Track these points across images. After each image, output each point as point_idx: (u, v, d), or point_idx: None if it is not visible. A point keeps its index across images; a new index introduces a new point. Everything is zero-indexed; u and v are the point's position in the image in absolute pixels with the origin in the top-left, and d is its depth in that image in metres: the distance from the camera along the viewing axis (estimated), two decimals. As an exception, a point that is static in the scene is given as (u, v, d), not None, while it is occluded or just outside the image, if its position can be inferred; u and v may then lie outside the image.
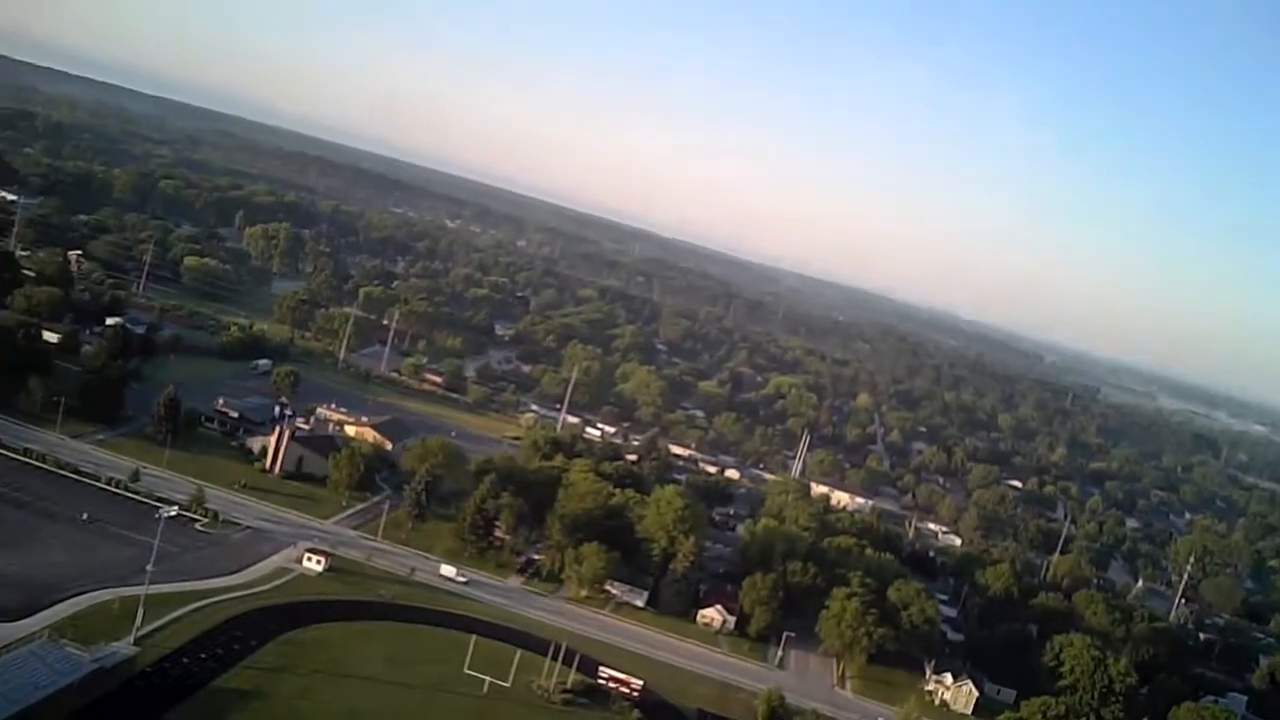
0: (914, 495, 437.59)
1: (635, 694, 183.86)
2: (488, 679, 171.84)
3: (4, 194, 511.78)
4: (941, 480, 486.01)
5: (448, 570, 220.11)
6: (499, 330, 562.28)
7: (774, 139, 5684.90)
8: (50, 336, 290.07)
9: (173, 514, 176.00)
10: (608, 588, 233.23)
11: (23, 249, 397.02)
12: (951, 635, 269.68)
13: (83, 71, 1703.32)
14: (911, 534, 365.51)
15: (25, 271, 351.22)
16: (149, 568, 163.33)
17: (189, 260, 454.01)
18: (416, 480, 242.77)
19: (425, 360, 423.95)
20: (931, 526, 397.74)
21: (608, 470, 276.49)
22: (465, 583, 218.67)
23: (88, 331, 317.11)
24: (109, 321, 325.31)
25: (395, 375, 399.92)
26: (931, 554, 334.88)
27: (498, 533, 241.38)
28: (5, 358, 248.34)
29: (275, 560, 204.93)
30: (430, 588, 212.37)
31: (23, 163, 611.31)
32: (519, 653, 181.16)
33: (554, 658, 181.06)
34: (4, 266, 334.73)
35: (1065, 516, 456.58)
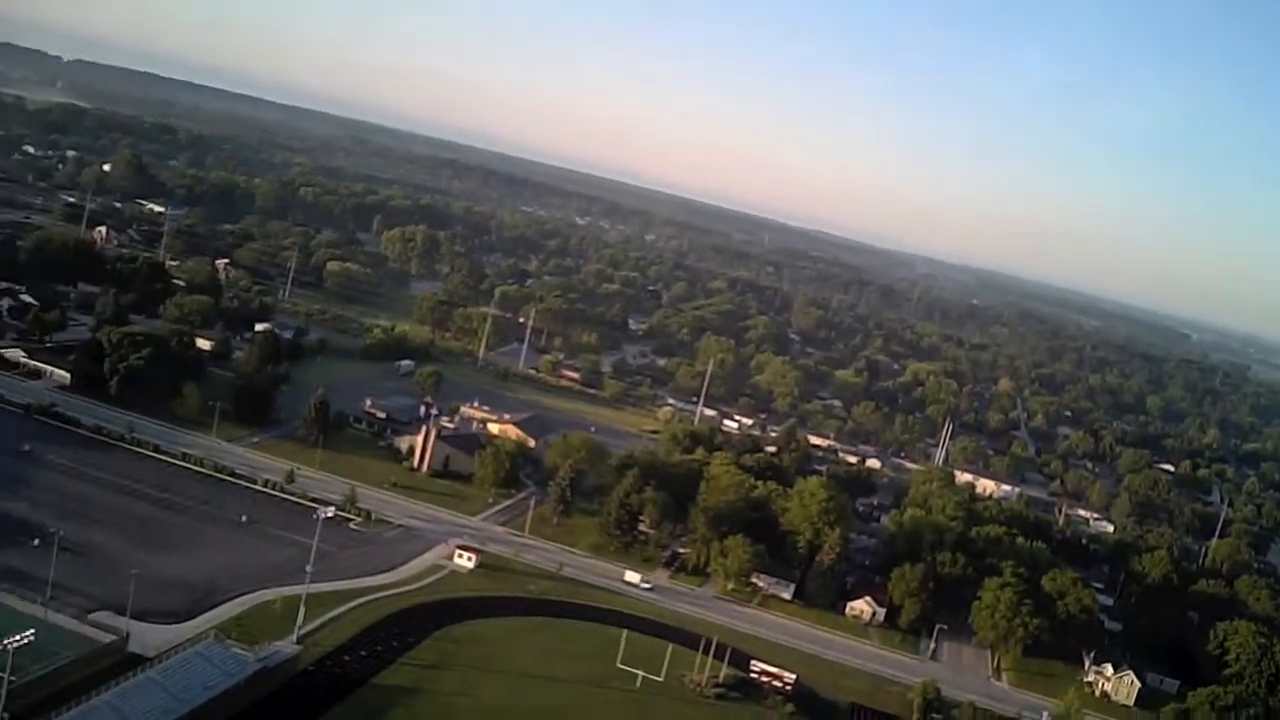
0: (1062, 481, 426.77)
1: (788, 687, 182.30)
2: (640, 673, 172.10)
3: (153, 206, 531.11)
4: (1090, 465, 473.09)
5: (632, 577, 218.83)
6: (632, 325, 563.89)
7: (901, 126, 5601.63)
8: (203, 343, 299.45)
9: (330, 515, 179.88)
10: (754, 580, 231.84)
11: (172, 259, 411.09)
12: (1109, 624, 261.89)
13: (219, 84, 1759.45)
14: (1062, 521, 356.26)
15: (176, 281, 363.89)
16: (308, 568, 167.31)
17: (331, 265, 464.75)
18: (560, 476, 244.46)
19: (562, 356, 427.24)
20: (1082, 513, 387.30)
21: (748, 462, 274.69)
22: (650, 589, 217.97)
23: (238, 337, 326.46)
24: (258, 327, 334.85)
25: (533, 372, 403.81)
26: (1084, 541, 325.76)
27: (642, 527, 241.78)
28: (162, 365, 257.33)
29: (427, 558, 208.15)
30: (578, 582, 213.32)
31: (168, 175, 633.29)
32: (670, 647, 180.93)
33: (705, 652, 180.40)
34: (156, 276, 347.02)
35: (1222, 500, 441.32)
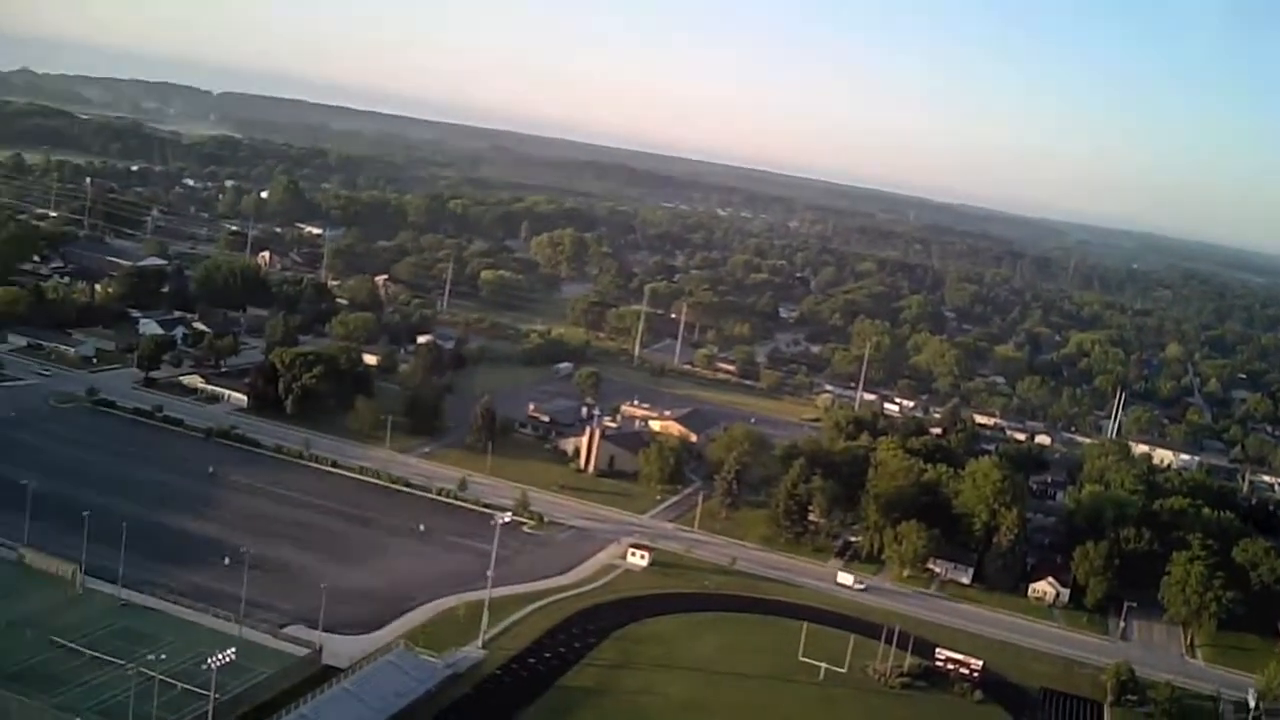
0: (1243, 447, 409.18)
1: (975, 674, 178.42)
2: (823, 665, 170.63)
3: (310, 229, 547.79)
4: (1270, 429, 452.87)
5: (845, 578, 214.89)
6: (783, 313, 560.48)
7: (1045, 92, 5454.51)
8: (369, 358, 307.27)
9: (507, 520, 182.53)
10: (930, 566, 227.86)
11: (333, 278, 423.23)
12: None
13: (363, 105, 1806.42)
14: (1246, 488, 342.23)
15: (339, 300, 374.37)
16: (489, 573, 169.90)
17: (485, 274, 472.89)
18: (726, 469, 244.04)
19: (715, 349, 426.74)
20: (1266, 479, 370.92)
21: (915, 446, 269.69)
22: (863, 589, 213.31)
23: (402, 350, 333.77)
24: (420, 339, 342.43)
25: (689, 367, 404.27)
26: (1271, 508, 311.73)
27: (811, 517, 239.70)
28: (333, 382, 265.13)
29: (601, 557, 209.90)
30: (752, 576, 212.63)
31: (323, 197, 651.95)
32: (852, 638, 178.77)
33: (887, 641, 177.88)
34: (320, 297, 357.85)
35: None
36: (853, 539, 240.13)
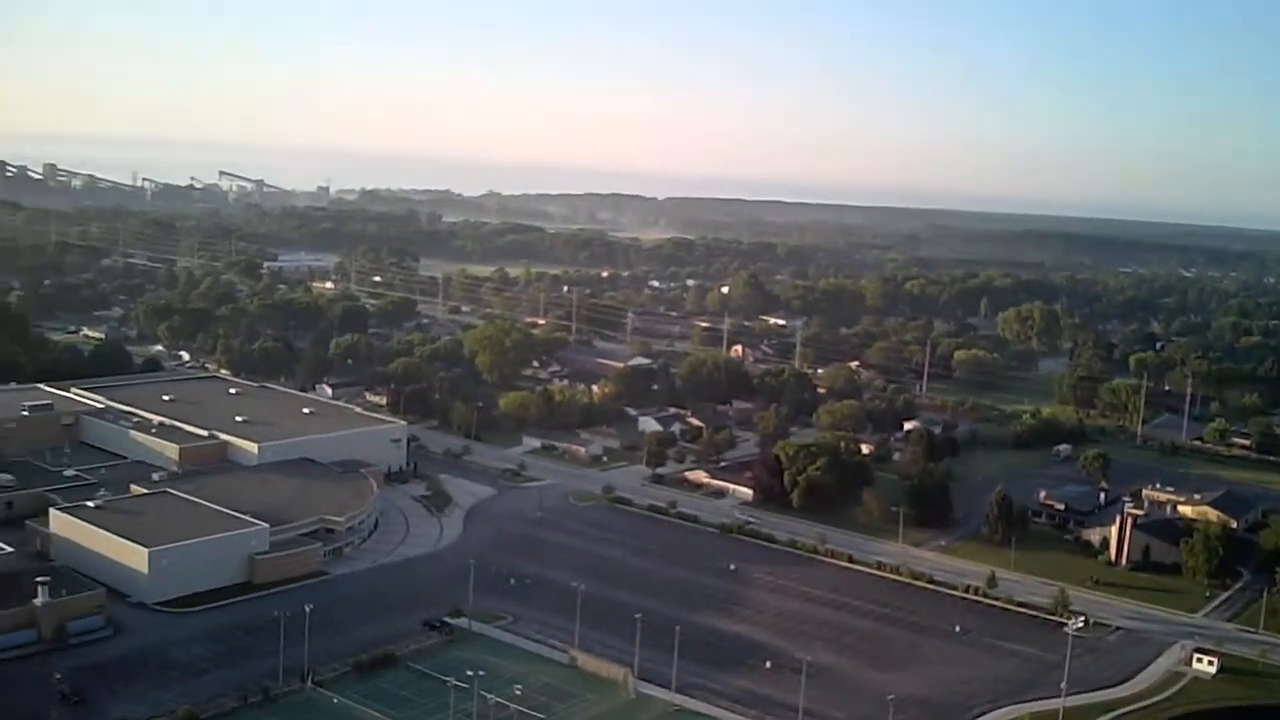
0: None
1: None
2: None
3: (774, 320, 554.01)
4: None
5: None
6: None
7: None
8: (864, 448, 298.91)
9: (1080, 626, 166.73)
10: None
11: (807, 367, 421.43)
12: None
13: (793, 197, 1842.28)
14: None
15: (818, 389, 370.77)
16: (1063, 685, 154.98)
17: (958, 354, 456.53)
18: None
19: (1225, 422, 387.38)
20: None
21: None
22: None
23: (891, 438, 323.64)
24: (908, 425, 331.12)
25: (1198, 443, 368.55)
26: None
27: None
28: (836, 473, 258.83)
29: (1161, 663, 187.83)
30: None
31: (780, 288, 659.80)
32: None
33: None
34: (803, 387, 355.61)
35: None
36: None
